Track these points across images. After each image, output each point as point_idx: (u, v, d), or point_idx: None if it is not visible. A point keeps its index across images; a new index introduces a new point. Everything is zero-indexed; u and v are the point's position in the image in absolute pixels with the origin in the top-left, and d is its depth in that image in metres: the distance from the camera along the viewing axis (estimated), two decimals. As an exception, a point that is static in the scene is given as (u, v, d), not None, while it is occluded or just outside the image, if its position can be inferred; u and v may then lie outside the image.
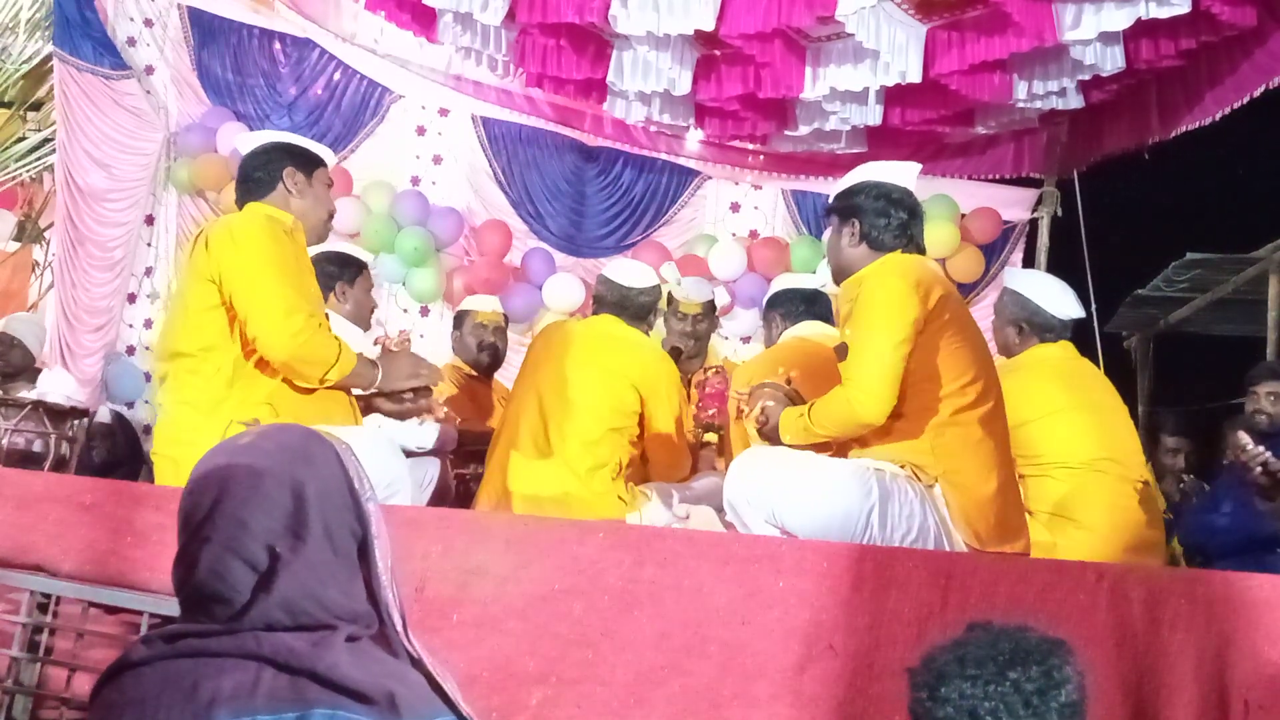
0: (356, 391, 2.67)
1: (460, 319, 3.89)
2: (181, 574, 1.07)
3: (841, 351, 2.37)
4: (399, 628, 1.10)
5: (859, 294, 2.33)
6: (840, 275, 2.48)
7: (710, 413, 3.16)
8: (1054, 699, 1.13)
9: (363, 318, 3.27)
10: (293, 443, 1.11)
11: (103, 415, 4.41)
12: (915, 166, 2.52)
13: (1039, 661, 1.14)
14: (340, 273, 3.27)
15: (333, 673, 1.02)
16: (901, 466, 2.27)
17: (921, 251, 2.45)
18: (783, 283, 3.47)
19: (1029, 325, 2.92)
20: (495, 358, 3.84)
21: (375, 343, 2.81)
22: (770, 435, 2.41)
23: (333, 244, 3.32)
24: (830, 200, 2.52)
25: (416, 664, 1.10)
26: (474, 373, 3.82)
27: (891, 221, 2.40)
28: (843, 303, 2.45)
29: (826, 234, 2.51)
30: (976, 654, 1.15)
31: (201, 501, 1.07)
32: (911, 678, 1.18)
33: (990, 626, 1.20)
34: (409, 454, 2.76)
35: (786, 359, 2.69)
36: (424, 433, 2.86)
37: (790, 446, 2.36)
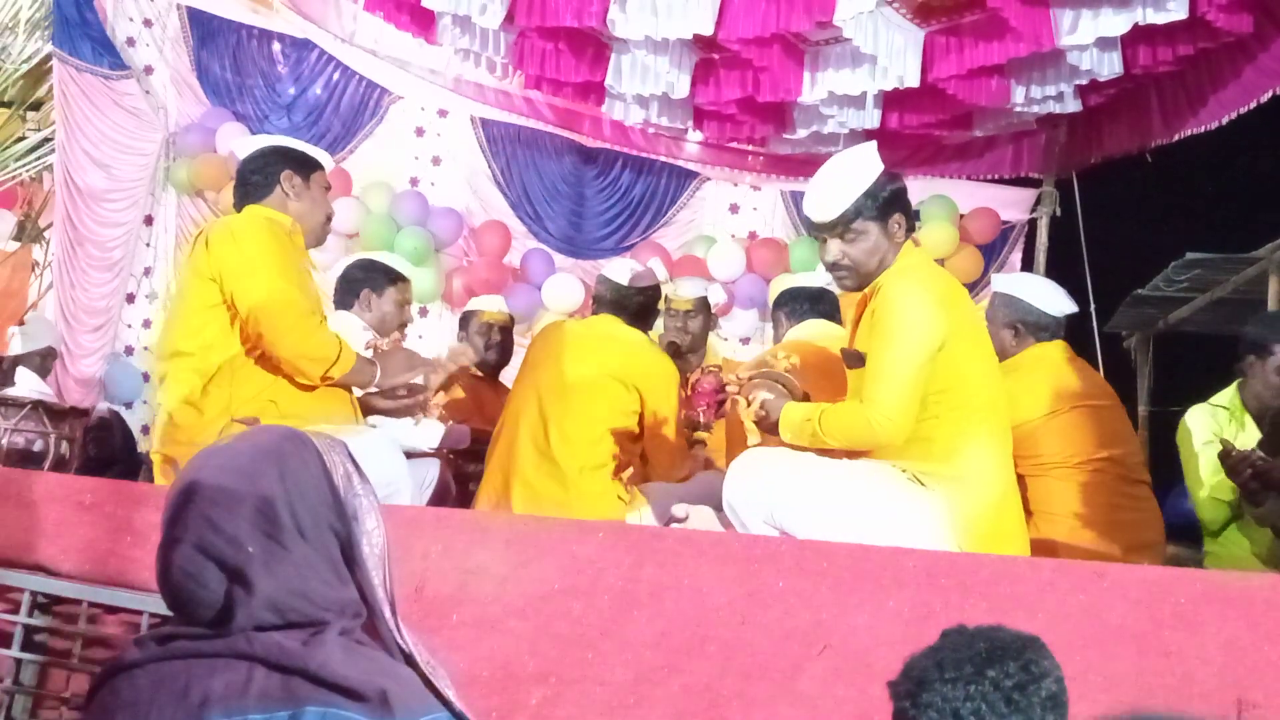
0: (356, 390, 2.68)
1: (466, 320, 3.90)
2: (158, 575, 1.08)
3: (853, 358, 2.35)
4: (390, 623, 1.10)
5: (879, 306, 2.25)
6: (874, 277, 2.32)
7: (697, 411, 3.16)
8: (1035, 694, 1.13)
9: (385, 329, 3.22)
10: (267, 444, 1.12)
11: (100, 410, 4.43)
12: (872, 144, 2.41)
13: (1015, 657, 1.14)
14: (368, 279, 3.25)
15: (324, 670, 1.02)
16: (902, 470, 2.26)
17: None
18: (785, 283, 3.46)
19: (1024, 326, 2.92)
20: (502, 357, 3.85)
21: (367, 346, 2.81)
22: (770, 429, 2.39)
23: (375, 254, 3.31)
24: (854, 206, 2.28)
25: (409, 660, 1.10)
26: (480, 373, 3.82)
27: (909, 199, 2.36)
28: (854, 306, 2.41)
29: (852, 246, 2.30)
30: (953, 656, 1.15)
31: (174, 503, 1.09)
32: (893, 689, 1.18)
33: (964, 629, 1.20)
34: (411, 454, 2.76)
35: (763, 367, 2.66)
36: (426, 433, 2.86)
37: (790, 445, 2.35)
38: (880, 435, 2.22)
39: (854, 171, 2.32)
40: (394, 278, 3.30)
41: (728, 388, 2.51)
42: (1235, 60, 4.20)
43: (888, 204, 2.30)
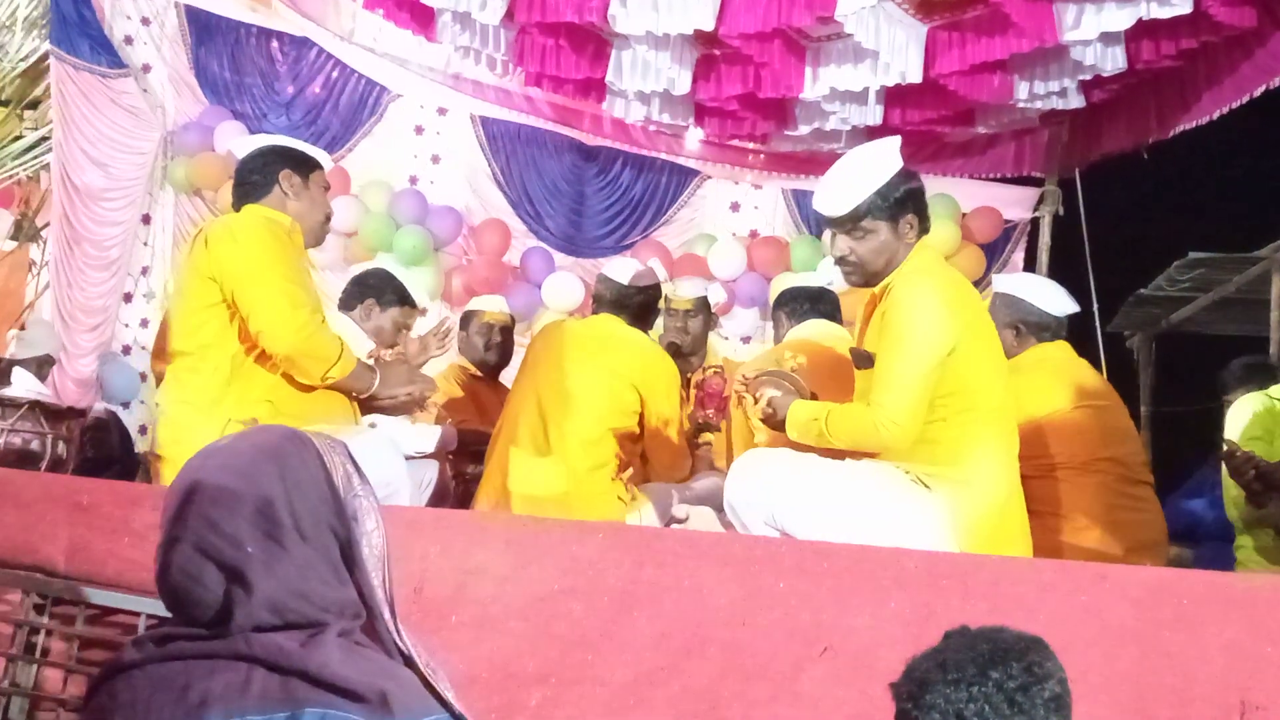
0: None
1: (467, 319, 3.89)
2: (157, 575, 1.08)
3: (861, 359, 2.33)
4: (389, 624, 1.10)
5: (889, 308, 2.23)
6: (883, 275, 2.30)
7: (708, 412, 3.15)
8: (1038, 695, 1.13)
9: (381, 342, 3.23)
10: (268, 443, 1.11)
11: (96, 410, 4.43)
12: (897, 140, 2.36)
13: (1018, 658, 1.14)
14: (379, 291, 3.25)
15: (323, 672, 1.02)
16: (905, 471, 2.25)
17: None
18: (786, 282, 3.46)
19: (1025, 326, 2.91)
20: (502, 358, 3.84)
21: (369, 355, 2.81)
22: (777, 427, 2.37)
23: (405, 278, 3.31)
24: (865, 204, 2.24)
25: (408, 661, 1.09)
26: (479, 373, 3.81)
27: (926, 197, 2.32)
28: (864, 304, 2.39)
29: (861, 244, 2.27)
30: (956, 657, 1.15)
31: (174, 503, 1.08)
32: (895, 690, 1.18)
33: (966, 630, 1.20)
34: (408, 456, 2.76)
35: (769, 366, 2.65)
36: (423, 437, 2.86)
37: (795, 445, 2.34)
38: (887, 439, 2.21)
39: (869, 168, 2.28)
40: (404, 301, 3.31)
41: (736, 385, 2.49)
42: (1232, 55, 4.19)
43: (900, 204, 2.26)
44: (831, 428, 2.25)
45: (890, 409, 2.19)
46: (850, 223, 2.27)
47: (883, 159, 2.29)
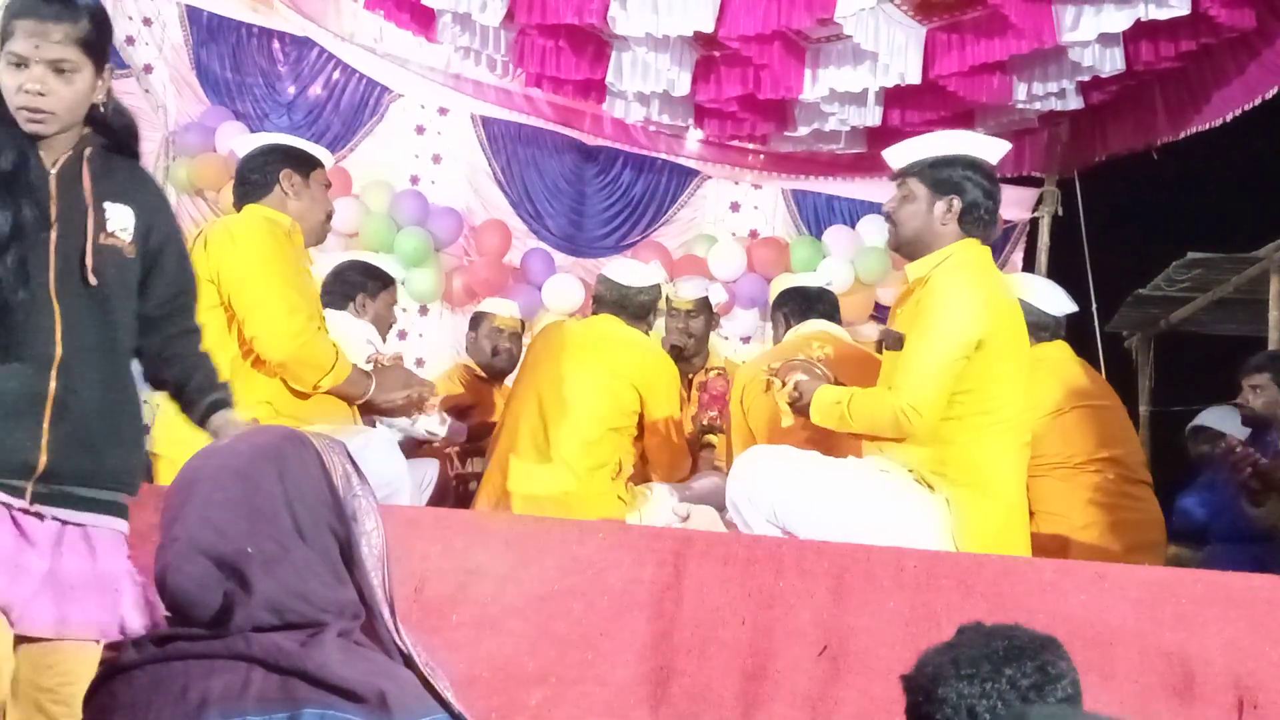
0: None
1: (477, 321, 3.88)
2: (157, 575, 1.08)
3: (891, 340, 2.33)
4: (389, 624, 1.10)
5: (925, 296, 2.24)
6: (915, 249, 2.33)
7: (711, 415, 3.15)
8: (1051, 694, 1.13)
9: (380, 332, 3.26)
10: (267, 444, 1.11)
11: None
12: (1005, 145, 2.42)
13: (1032, 657, 1.14)
14: (364, 284, 3.29)
15: (322, 672, 1.02)
16: (910, 471, 2.26)
17: (989, 239, 2.40)
18: (785, 282, 3.46)
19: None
20: (509, 363, 3.82)
21: (368, 360, 2.82)
22: (802, 411, 2.38)
23: (365, 256, 3.33)
24: (915, 164, 2.31)
25: (408, 661, 1.10)
26: (483, 375, 3.81)
27: (993, 206, 2.33)
28: (902, 291, 2.40)
29: (902, 203, 2.33)
30: (970, 653, 1.15)
31: (173, 503, 1.08)
32: (906, 683, 1.18)
33: (980, 627, 1.20)
34: (420, 442, 2.77)
35: (795, 355, 2.66)
36: (435, 422, 2.86)
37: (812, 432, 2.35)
38: (905, 425, 2.20)
39: (947, 141, 2.36)
40: (386, 281, 3.34)
41: (765, 373, 2.49)
42: (1238, 56, 4.18)
43: (945, 181, 2.29)
44: (853, 411, 2.26)
45: (911, 396, 2.19)
46: (900, 177, 2.36)
47: (967, 144, 2.36)
